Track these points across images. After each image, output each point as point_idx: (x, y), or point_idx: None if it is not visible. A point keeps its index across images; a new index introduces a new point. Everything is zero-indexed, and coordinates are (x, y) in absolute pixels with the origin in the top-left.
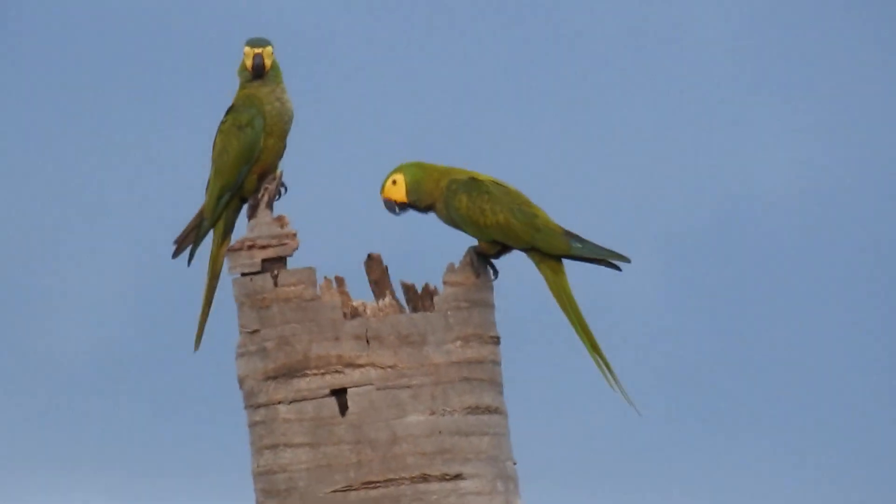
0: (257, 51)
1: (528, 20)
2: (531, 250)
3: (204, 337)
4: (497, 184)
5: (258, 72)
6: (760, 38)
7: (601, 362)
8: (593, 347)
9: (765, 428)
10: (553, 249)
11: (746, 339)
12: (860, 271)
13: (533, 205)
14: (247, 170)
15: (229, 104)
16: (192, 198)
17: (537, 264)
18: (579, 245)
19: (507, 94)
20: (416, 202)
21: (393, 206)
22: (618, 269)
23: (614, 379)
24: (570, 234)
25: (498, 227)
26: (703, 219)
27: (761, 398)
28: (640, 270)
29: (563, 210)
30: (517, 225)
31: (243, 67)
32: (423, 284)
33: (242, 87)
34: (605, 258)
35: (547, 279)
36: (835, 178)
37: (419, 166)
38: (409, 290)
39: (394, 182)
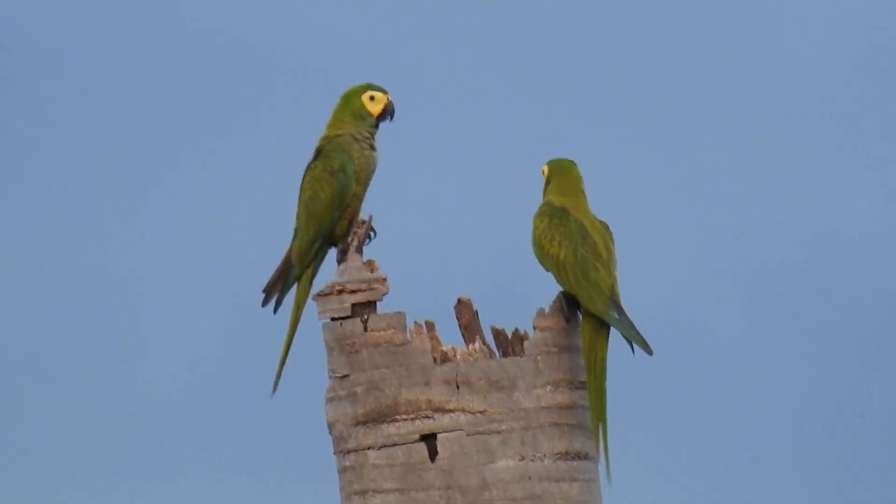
0: (389, 97)
1: (605, 67)
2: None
3: (294, 383)
4: (587, 229)
5: (391, 117)
6: (857, 75)
7: (600, 433)
8: (598, 417)
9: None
10: (590, 305)
11: (834, 378)
12: None
13: (606, 265)
14: (338, 215)
15: (314, 148)
16: (275, 241)
17: (583, 315)
18: (616, 316)
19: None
20: (544, 194)
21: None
22: (647, 351)
23: (605, 451)
24: (616, 303)
25: (554, 259)
26: (794, 257)
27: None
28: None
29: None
30: (570, 265)
31: (364, 110)
32: (513, 329)
33: (331, 128)
34: (630, 338)
35: (583, 333)
36: None
37: (561, 168)
38: (498, 334)
39: (542, 172)
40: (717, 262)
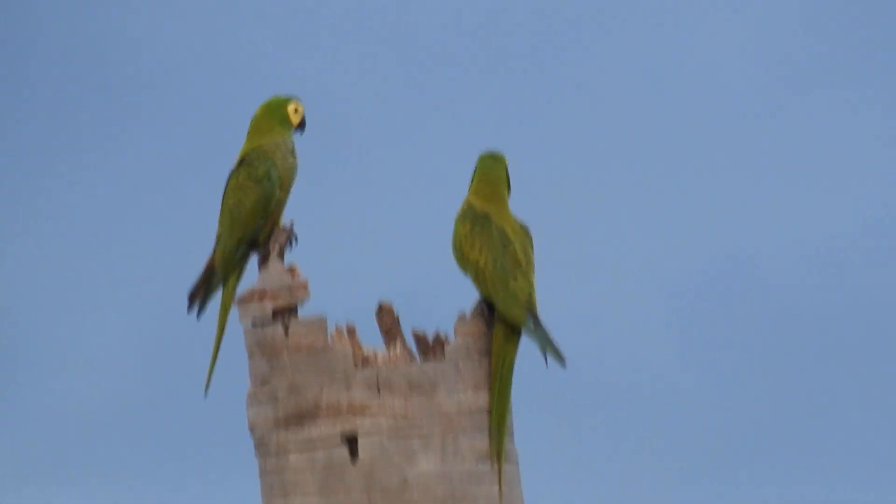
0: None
1: (529, 74)
2: (493, 308)
3: (216, 386)
4: (509, 237)
5: (303, 129)
6: (773, 94)
7: (497, 439)
8: (498, 420)
9: (770, 479)
10: (506, 313)
11: (753, 389)
12: (868, 324)
13: (525, 274)
14: (262, 222)
15: (234, 157)
16: (197, 247)
17: (497, 320)
18: (532, 326)
19: (513, 140)
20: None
21: None
22: (560, 362)
23: (500, 455)
24: (532, 313)
25: (474, 265)
26: (710, 269)
27: (765, 449)
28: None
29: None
30: (489, 273)
31: (288, 120)
32: (434, 333)
33: (252, 138)
34: (545, 349)
35: (495, 336)
36: (843, 232)
37: (484, 167)
38: (419, 339)
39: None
40: (639, 267)
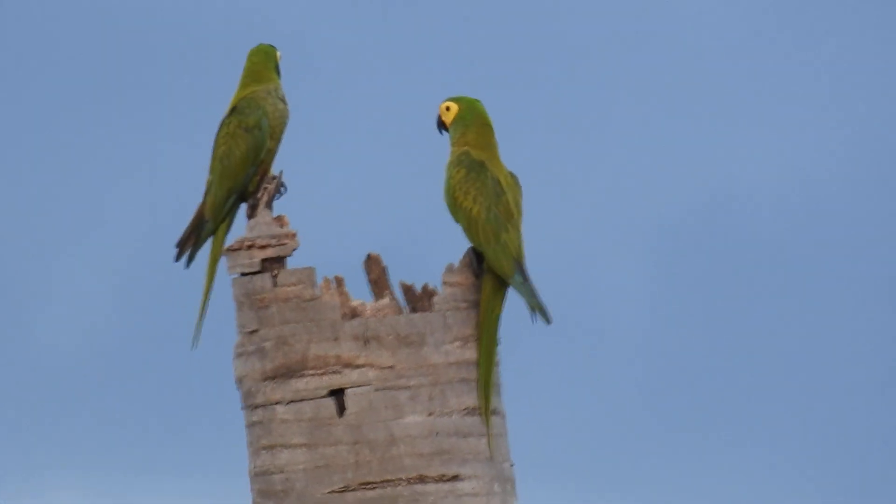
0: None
1: (509, 17)
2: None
3: (203, 337)
4: (501, 186)
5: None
6: (749, 35)
7: (483, 389)
8: (485, 373)
9: (752, 423)
10: (495, 265)
11: (733, 332)
12: (844, 265)
13: (516, 226)
14: (253, 171)
15: (225, 100)
16: (187, 197)
17: (485, 272)
18: (520, 280)
19: (493, 85)
20: (451, 138)
21: (439, 123)
22: (546, 320)
23: (486, 408)
24: (520, 267)
25: (466, 213)
26: (688, 212)
27: (746, 393)
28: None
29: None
30: (482, 223)
31: (278, 67)
32: (423, 285)
33: (245, 86)
34: (532, 306)
35: (483, 288)
36: (819, 172)
37: (476, 116)
38: (408, 290)
39: (448, 108)
40: (616, 215)
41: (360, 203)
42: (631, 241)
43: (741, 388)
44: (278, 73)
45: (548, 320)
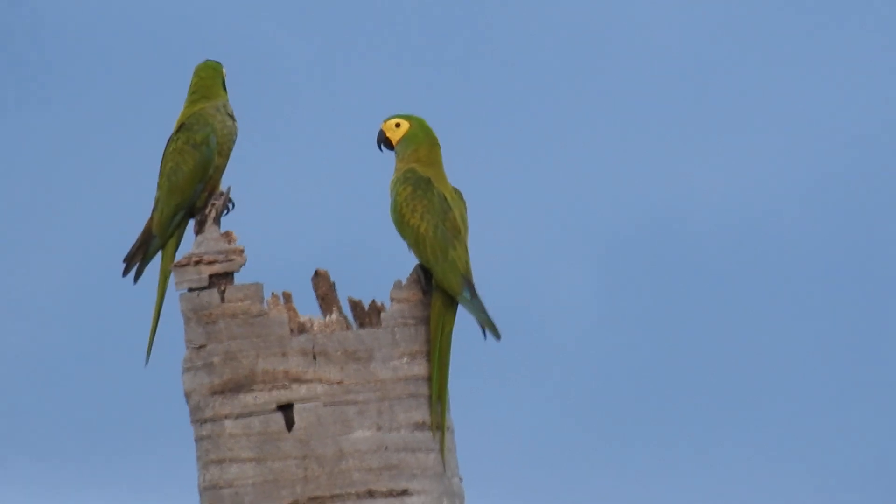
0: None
1: (456, 31)
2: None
3: (153, 351)
4: (448, 202)
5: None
6: (698, 53)
7: (438, 410)
8: (439, 390)
9: (701, 435)
10: (444, 283)
11: (680, 347)
12: (789, 280)
13: (462, 244)
14: (201, 188)
15: (174, 121)
16: (135, 213)
17: (434, 289)
18: (468, 297)
19: (441, 99)
20: (397, 155)
21: (382, 140)
22: (496, 336)
23: (442, 424)
24: (469, 284)
25: (414, 231)
26: (636, 227)
27: (694, 405)
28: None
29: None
30: (430, 240)
31: (224, 83)
32: (370, 301)
33: (192, 102)
34: (481, 322)
35: (433, 305)
36: (765, 189)
37: (428, 134)
38: (355, 306)
39: (397, 125)
40: (565, 230)
41: (308, 219)
42: (579, 256)
43: (689, 400)
44: (225, 89)
45: (497, 336)
